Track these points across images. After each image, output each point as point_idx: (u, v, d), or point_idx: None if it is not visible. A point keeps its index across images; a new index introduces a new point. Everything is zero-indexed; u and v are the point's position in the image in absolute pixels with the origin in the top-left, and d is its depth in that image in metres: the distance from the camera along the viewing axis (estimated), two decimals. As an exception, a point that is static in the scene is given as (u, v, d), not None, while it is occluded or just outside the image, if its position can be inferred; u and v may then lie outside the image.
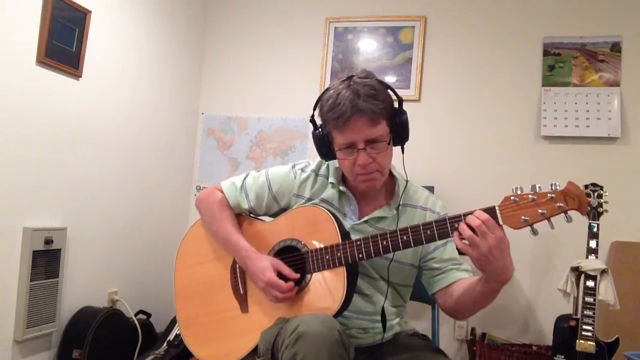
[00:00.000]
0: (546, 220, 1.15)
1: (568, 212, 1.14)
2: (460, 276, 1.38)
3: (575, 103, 2.51)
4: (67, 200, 2.13)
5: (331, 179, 1.46)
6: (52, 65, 2.00)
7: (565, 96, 2.53)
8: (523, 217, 1.15)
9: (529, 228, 1.16)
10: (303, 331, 1.13)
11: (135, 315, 2.39)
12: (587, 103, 2.50)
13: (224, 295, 1.47)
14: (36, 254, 1.93)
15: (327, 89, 1.36)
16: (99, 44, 2.23)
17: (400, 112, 1.37)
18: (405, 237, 1.26)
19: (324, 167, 1.51)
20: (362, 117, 1.29)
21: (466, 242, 1.16)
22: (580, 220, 2.05)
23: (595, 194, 2.01)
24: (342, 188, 1.45)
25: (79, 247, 2.19)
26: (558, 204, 1.13)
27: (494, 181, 2.60)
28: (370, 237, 1.29)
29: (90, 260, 2.27)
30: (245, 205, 1.52)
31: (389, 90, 1.36)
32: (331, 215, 1.36)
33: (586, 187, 2.04)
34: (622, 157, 2.46)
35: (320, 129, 1.41)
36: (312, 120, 1.42)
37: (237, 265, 1.47)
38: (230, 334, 1.43)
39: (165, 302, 2.71)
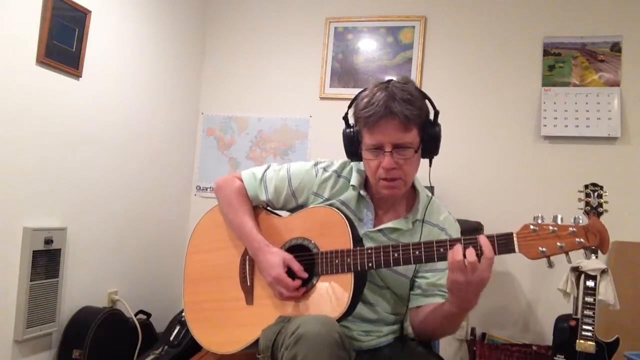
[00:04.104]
0: (564, 254, 1.13)
1: (588, 248, 1.12)
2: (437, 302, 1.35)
3: (575, 103, 2.51)
4: (67, 200, 2.13)
5: (353, 182, 1.44)
6: (52, 65, 2.00)
7: (565, 96, 2.53)
8: (541, 248, 1.13)
9: (545, 259, 1.14)
10: (303, 333, 1.13)
11: (135, 315, 2.39)
12: (587, 103, 2.50)
13: (231, 284, 1.47)
14: (36, 254, 1.94)
15: (365, 89, 1.36)
16: (99, 44, 2.24)
17: (435, 124, 1.35)
18: (417, 252, 1.24)
19: (347, 169, 1.48)
20: (393, 120, 1.27)
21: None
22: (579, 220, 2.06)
23: (595, 194, 2.01)
24: (362, 192, 1.42)
25: (79, 247, 2.19)
26: (578, 239, 1.11)
27: (493, 181, 2.60)
28: (382, 248, 1.28)
29: (90, 260, 2.27)
30: (263, 197, 1.51)
31: (426, 101, 1.35)
32: (346, 220, 1.34)
33: (586, 187, 2.04)
34: (622, 157, 2.46)
35: (351, 128, 1.39)
36: (345, 118, 1.41)
37: (248, 257, 1.46)
38: (232, 324, 1.43)
39: (165, 302, 2.71)
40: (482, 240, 1.15)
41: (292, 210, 1.52)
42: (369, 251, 1.29)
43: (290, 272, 1.35)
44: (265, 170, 1.54)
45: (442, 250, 1.22)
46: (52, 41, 1.98)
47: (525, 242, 1.14)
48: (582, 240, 1.10)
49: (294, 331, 1.15)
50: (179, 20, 2.84)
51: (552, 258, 1.14)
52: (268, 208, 1.56)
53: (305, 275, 1.34)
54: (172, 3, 2.77)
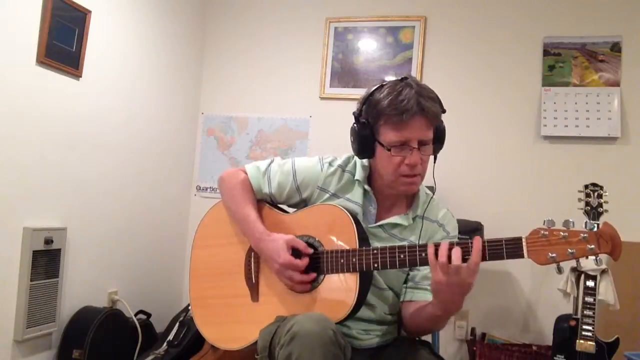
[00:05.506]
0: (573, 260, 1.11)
1: (599, 255, 1.10)
2: (428, 298, 1.35)
3: (575, 103, 2.51)
4: (67, 200, 2.13)
5: (357, 177, 1.45)
6: (52, 65, 2.00)
7: (565, 96, 2.53)
8: (550, 254, 1.10)
9: (554, 265, 1.12)
10: (297, 331, 1.13)
11: (135, 315, 2.39)
12: (587, 103, 2.50)
13: (236, 281, 1.46)
14: (36, 254, 1.94)
15: (381, 86, 1.34)
16: (99, 44, 2.24)
17: (441, 121, 1.37)
18: (423, 254, 1.23)
19: (351, 164, 1.49)
20: (424, 117, 1.29)
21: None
22: (579, 220, 2.05)
23: (595, 194, 2.01)
24: (366, 187, 1.43)
25: (79, 247, 2.19)
26: (589, 245, 1.09)
27: (493, 181, 2.60)
28: (388, 248, 1.27)
29: (90, 260, 2.27)
30: (267, 190, 1.50)
31: None
32: (352, 219, 1.34)
33: (586, 187, 2.03)
34: (622, 157, 2.46)
35: (363, 125, 1.35)
36: (357, 115, 1.38)
37: (253, 253, 1.45)
38: (238, 321, 1.43)
39: (165, 302, 2.72)
40: (475, 243, 1.14)
41: (295, 205, 1.52)
42: (375, 251, 1.28)
43: (297, 256, 1.34)
44: (270, 164, 1.53)
45: None
46: (52, 41, 1.98)
47: (535, 247, 1.12)
48: (593, 246, 1.09)
49: (288, 329, 1.15)
50: (178, 20, 2.84)
51: (561, 264, 1.12)
52: (271, 203, 1.55)
53: (310, 250, 1.34)
54: (172, 3, 2.77)
